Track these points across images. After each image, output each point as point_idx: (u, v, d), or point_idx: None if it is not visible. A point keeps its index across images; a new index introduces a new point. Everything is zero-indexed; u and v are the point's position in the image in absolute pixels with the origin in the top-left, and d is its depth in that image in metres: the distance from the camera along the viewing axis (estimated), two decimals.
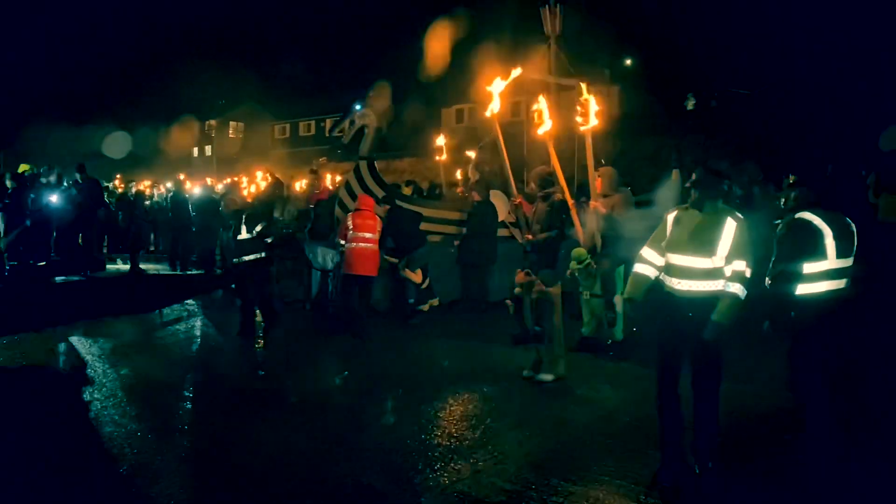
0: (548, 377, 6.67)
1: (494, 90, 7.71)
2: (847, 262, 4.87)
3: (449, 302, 10.33)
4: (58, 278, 12.37)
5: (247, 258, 8.64)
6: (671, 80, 26.73)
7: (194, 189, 16.53)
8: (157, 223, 17.56)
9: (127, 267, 14.29)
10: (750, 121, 22.11)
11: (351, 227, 8.70)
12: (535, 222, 6.78)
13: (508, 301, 7.31)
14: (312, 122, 46.84)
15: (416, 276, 9.70)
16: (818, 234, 4.77)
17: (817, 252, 4.74)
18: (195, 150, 52.72)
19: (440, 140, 12.31)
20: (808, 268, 4.74)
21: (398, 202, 10.29)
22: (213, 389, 6.97)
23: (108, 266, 14.36)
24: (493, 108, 7.95)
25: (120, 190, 19.26)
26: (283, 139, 49.60)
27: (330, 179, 15.37)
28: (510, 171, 7.42)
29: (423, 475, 4.67)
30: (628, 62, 31.27)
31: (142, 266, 14.29)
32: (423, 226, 10.32)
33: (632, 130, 27.93)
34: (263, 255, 8.72)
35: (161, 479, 4.67)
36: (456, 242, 10.44)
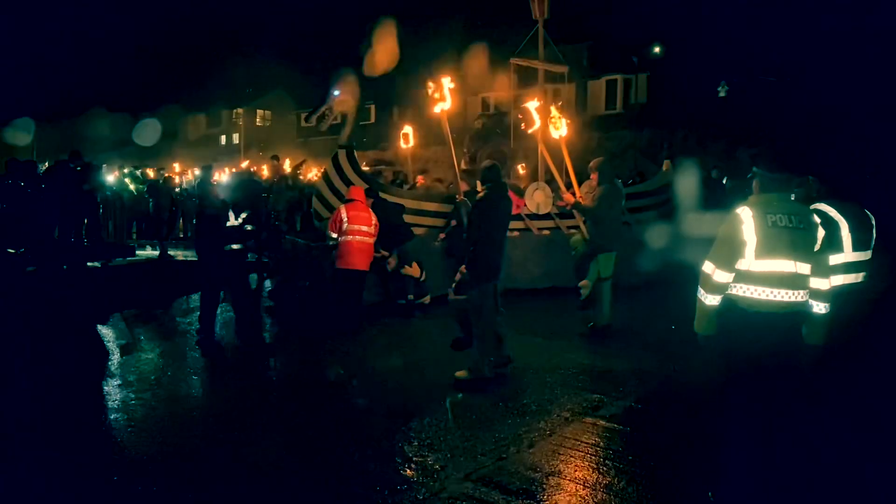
0: (461, 374, 6.39)
1: (443, 89, 7.94)
2: (865, 256, 4.72)
3: (439, 296, 9.68)
4: (90, 263, 12.58)
5: (233, 247, 7.88)
6: (700, 67, 26.32)
7: (221, 176, 16.72)
8: (186, 210, 17.80)
9: (156, 253, 14.54)
10: (775, 108, 21.72)
11: (346, 219, 8.34)
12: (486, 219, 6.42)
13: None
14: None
15: (414, 270, 9.55)
16: (834, 225, 4.62)
17: (833, 245, 4.47)
18: (223, 138, 53.19)
19: (407, 128, 12.24)
20: None
21: (381, 194, 9.96)
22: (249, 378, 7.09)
23: (137, 252, 14.60)
24: (444, 105, 8.10)
25: (150, 177, 19.52)
26: (309, 127, 49.79)
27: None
28: (457, 165, 7.82)
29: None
30: (657, 49, 30.84)
31: (170, 252, 14.55)
32: (407, 218, 10.16)
33: (661, 118, 27.65)
34: (241, 247, 8.06)
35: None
36: (441, 235, 10.32)
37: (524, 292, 10.25)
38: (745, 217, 3.92)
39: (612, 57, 32.04)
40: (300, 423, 5.62)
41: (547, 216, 11.40)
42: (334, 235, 8.36)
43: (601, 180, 8.08)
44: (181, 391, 6.55)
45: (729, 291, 4.00)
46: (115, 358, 7.50)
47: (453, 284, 6.59)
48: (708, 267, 4.04)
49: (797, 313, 3.99)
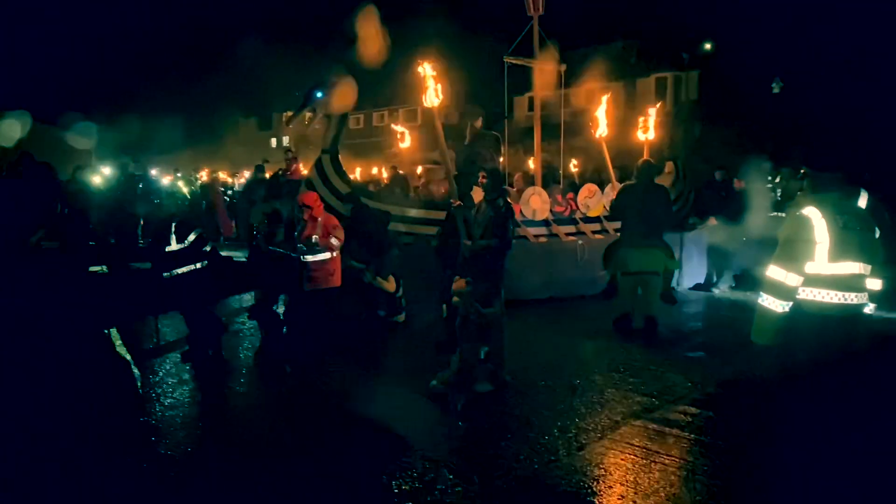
0: (485, 387, 6.10)
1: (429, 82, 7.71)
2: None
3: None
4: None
5: (180, 271, 7.18)
6: (753, 63, 25.72)
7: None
8: (237, 211, 18.13)
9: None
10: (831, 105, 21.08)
11: (339, 227, 7.66)
12: (476, 226, 6.20)
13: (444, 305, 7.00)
14: (385, 112, 47.29)
15: (389, 284, 8.77)
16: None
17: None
18: (273, 141, 54.08)
19: (399, 127, 11.50)
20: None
21: (364, 200, 9.41)
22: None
23: None
24: (432, 99, 7.89)
25: (203, 180, 19.98)
26: (357, 129, 50.26)
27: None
28: (450, 165, 7.50)
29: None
30: (708, 46, 30.24)
31: (222, 253, 14.83)
32: (394, 226, 9.47)
33: (712, 115, 27.12)
34: (200, 265, 7.33)
35: None
36: (467, 242, 9.69)
37: (524, 303, 9.66)
38: (815, 218, 3.80)
39: (662, 54, 31.57)
40: (361, 424, 5.68)
41: (544, 223, 10.86)
42: (336, 244, 7.59)
43: (635, 178, 8.41)
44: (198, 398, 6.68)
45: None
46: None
47: (453, 297, 6.22)
48: (777, 273, 3.90)
49: (855, 315, 3.87)
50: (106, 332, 7.57)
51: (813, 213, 3.83)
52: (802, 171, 4.02)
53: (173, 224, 7.26)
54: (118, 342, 7.69)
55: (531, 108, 37.30)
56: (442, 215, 9.06)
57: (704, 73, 31.03)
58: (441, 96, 8.53)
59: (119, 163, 16.24)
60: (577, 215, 11.24)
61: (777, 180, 12.28)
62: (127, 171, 15.28)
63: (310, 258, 7.53)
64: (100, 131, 21.38)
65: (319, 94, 9.62)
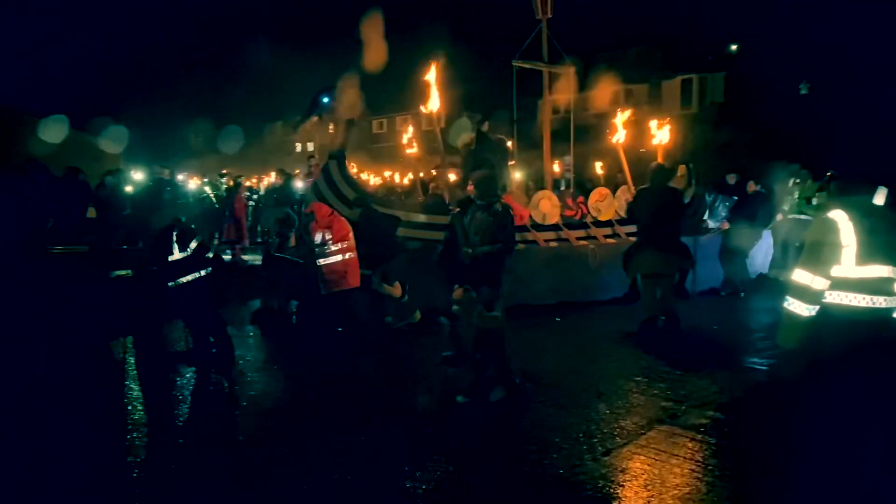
0: (499, 394, 6.06)
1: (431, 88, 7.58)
2: None
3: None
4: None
5: (184, 279, 7.16)
6: (780, 64, 25.40)
7: (298, 183, 17.12)
8: (260, 215, 18.29)
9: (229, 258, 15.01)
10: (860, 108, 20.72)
11: (348, 230, 7.70)
12: (473, 233, 6.11)
13: (443, 319, 6.95)
14: (409, 116, 47.44)
15: (395, 290, 8.71)
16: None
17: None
18: (297, 146, 54.47)
19: (409, 131, 11.35)
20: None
21: (372, 205, 9.38)
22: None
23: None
24: (432, 106, 7.73)
25: (229, 185, 20.17)
26: (381, 133, 50.46)
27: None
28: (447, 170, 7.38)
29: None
30: (734, 47, 29.93)
31: (244, 257, 15.01)
32: (403, 231, 9.42)
33: (738, 118, 26.84)
34: (204, 272, 7.30)
35: None
36: (468, 251, 9.33)
37: (535, 308, 9.64)
38: (841, 221, 3.76)
39: (687, 56, 31.33)
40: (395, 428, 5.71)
41: (554, 227, 10.76)
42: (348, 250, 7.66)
43: (649, 181, 8.44)
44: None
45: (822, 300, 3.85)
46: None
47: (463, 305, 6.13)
48: (804, 276, 3.85)
49: (884, 319, 3.82)
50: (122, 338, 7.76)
51: (839, 216, 3.78)
52: (829, 174, 3.97)
53: (174, 233, 7.24)
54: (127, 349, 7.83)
55: (554, 111, 37.20)
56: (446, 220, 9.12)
57: (731, 74, 30.72)
58: (440, 101, 8.54)
59: (148, 168, 16.50)
60: (588, 219, 11.15)
61: (794, 183, 12.08)
62: (155, 176, 15.51)
63: (322, 262, 7.53)
64: (129, 136, 21.71)
65: (326, 100, 9.49)
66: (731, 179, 12.06)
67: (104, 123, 21.50)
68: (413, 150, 11.47)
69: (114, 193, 13.43)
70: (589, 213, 11.23)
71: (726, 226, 11.13)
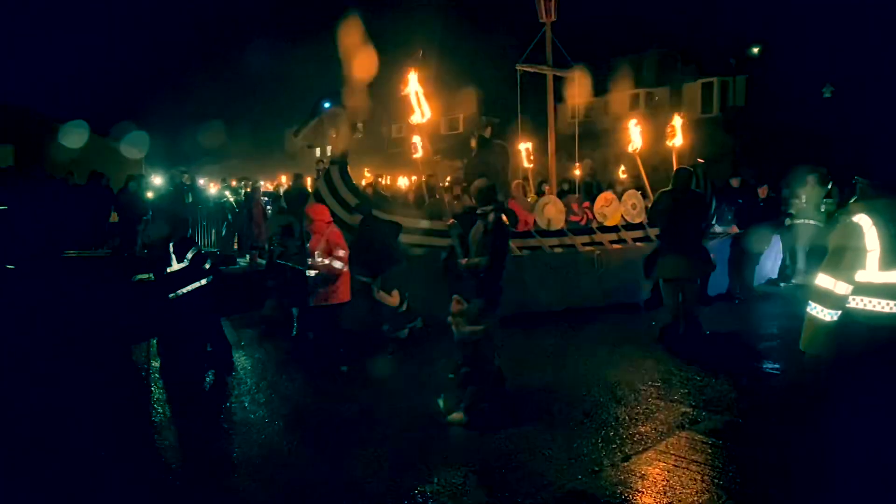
0: (457, 417, 5.71)
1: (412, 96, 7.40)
2: None
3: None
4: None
5: (185, 290, 7.13)
6: (803, 67, 25.09)
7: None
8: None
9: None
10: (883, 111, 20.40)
11: (342, 244, 7.40)
12: (472, 243, 5.91)
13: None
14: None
15: (392, 299, 8.52)
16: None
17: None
18: (317, 151, 54.83)
19: (416, 138, 10.97)
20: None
21: (374, 212, 9.12)
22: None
23: (238, 261, 15.18)
24: (423, 114, 7.47)
25: (247, 190, 20.31)
26: (399, 138, 50.62)
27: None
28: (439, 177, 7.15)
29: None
30: (755, 50, 29.62)
31: (259, 261, 15.04)
32: (405, 238, 9.17)
33: (761, 122, 26.57)
34: (205, 281, 7.29)
35: None
36: (463, 261, 8.75)
37: (542, 315, 9.43)
38: (865, 224, 3.69)
39: (708, 59, 31.07)
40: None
41: (560, 232, 10.48)
42: (342, 253, 7.35)
43: (671, 185, 8.31)
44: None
45: (846, 305, 3.77)
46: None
47: (455, 317, 5.83)
48: (826, 281, 3.79)
49: None
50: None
51: (864, 220, 3.71)
52: (855, 179, 3.90)
53: (171, 244, 7.21)
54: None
55: (573, 115, 37.08)
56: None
57: (752, 78, 30.40)
58: (428, 113, 8.43)
59: (169, 173, 16.66)
60: (594, 224, 10.88)
61: (818, 186, 11.87)
62: (177, 181, 15.66)
63: (310, 273, 7.38)
64: (150, 140, 21.98)
65: (327, 105, 9.38)
66: (735, 183, 11.87)
67: (126, 129, 21.79)
68: (419, 155, 11.43)
69: (135, 198, 13.57)
70: (594, 218, 10.97)
71: (735, 230, 10.93)
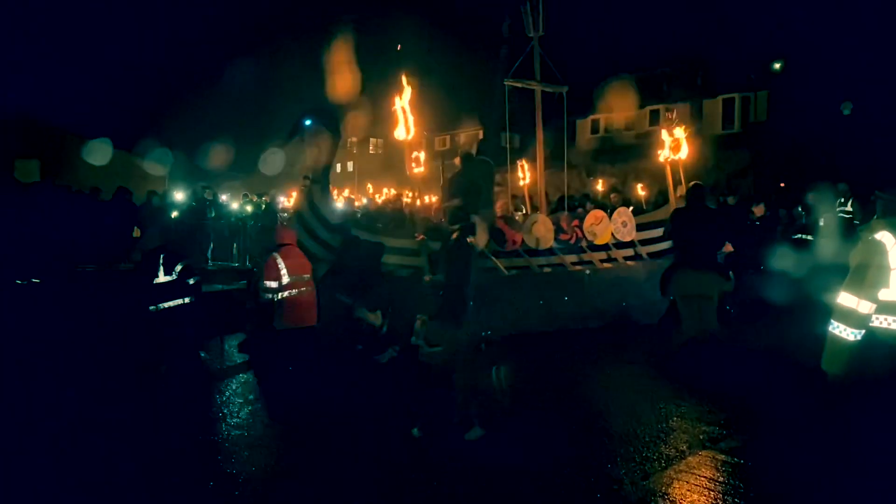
0: (476, 433, 5.60)
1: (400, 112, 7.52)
2: None
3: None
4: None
5: (166, 305, 7.01)
6: (826, 82, 24.89)
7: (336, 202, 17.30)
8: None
9: None
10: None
11: (284, 269, 7.17)
12: (445, 262, 5.80)
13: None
14: (447, 137, 47.70)
15: (374, 318, 8.25)
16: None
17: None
18: (338, 166, 55.14)
19: (415, 153, 10.90)
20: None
21: (355, 232, 8.97)
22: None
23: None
24: (408, 130, 7.46)
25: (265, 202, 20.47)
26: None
27: None
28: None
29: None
30: (777, 66, 29.40)
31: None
32: (388, 258, 8.98)
33: (783, 137, 26.36)
34: (188, 300, 7.17)
35: None
36: (427, 278, 8.29)
37: (534, 336, 9.27)
38: (889, 242, 3.64)
39: (729, 74, 30.90)
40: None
41: (548, 251, 10.24)
42: (273, 285, 7.12)
43: (686, 201, 8.39)
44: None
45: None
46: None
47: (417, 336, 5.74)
48: (849, 300, 3.74)
49: None
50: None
51: (887, 238, 3.67)
52: (875, 195, 3.85)
53: (161, 255, 7.11)
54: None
55: (594, 130, 37.05)
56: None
57: (773, 93, 30.17)
58: (414, 129, 8.39)
59: (192, 188, 16.85)
60: (583, 243, 10.61)
61: (840, 203, 11.71)
62: (199, 196, 15.84)
63: (279, 296, 7.15)
64: (173, 155, 22.29)
65: (308, 123, 9.10)
66: (731, 201, 11.79)
67: (150, 146, 22.12)
68: (420, 170, 11.38)
69: (158, 213, 13.75)
70: (584, 237, 10.63)
71: (730, 248, 10.74)
